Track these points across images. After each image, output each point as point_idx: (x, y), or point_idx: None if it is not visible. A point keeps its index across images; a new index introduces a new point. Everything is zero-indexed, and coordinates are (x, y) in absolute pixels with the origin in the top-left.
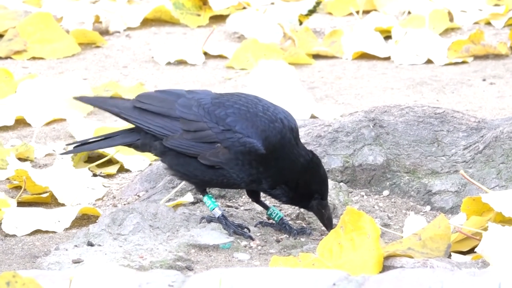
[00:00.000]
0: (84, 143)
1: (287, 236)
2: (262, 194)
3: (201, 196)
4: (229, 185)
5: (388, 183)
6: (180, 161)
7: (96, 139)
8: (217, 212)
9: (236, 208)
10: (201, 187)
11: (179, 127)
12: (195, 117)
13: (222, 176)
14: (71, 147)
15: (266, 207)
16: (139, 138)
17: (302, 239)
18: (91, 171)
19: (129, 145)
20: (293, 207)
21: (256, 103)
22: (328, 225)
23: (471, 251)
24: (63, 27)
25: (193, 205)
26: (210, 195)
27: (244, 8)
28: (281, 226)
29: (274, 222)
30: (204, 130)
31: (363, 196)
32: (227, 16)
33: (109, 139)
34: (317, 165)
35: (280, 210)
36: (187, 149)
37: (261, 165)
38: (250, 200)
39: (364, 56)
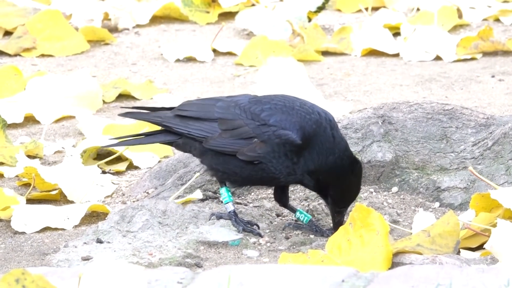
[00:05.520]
0: (123, 139)
1: (296, 233)
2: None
3: (219, 186)
4: (269, 180)
5: (397, 179)
6: (219, 160)
7: (137, 136)
8: (230, 207)
9: (245, 205)
10: (241, 185)
11: (218, 128)
12: (232, 116)
13: (261, 170)
14: (112, 141)
15: (293, 211)
16: (180, 137)
17: (311, 236)
18: (100, 168)
19: (171, 144)
20: (302, 203)
21: (294, 100)
22: (334, 228)
23: (480, 247)
24: (72, 24)
25: (202, 202)
26: (228, 189)
27: (253, 5)
28: (311, 228)
29: (302, 224)
30: (241, 127)
31: (372, 192)
32: (236, 13)
33: (151, 136)
34: (344, 172)
35: (307, 211)
36: (226, 147)
37: (296, 155)
38: (259, 197)
39: (373, 52)
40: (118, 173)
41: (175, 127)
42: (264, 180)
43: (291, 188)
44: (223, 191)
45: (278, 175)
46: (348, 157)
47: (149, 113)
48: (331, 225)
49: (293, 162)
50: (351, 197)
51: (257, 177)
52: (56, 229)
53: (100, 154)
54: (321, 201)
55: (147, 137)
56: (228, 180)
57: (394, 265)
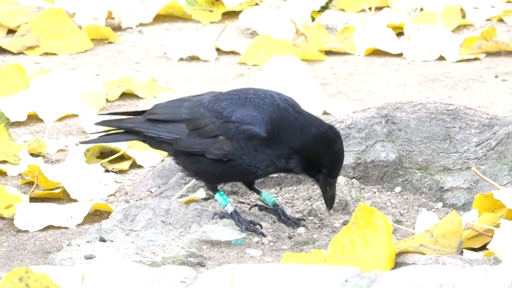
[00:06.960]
0: (102, 135)
1: (299, 232)
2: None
3: (212, 193)
4: (243, 176)
5: (400, 179)
6: (191, 160)
7: (113, 133)
8: (230, 208)
9: (248, 204)
10: (215, 183)
11: (186, 129)
12: (198, 116)
13: (232, 167)
14: (91, 137)
15: (258, 193)
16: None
17: (314, 236)
18: (104, 166)
19: (145, 141)
20: (305, 203)
21: (247, 89)
22: (329, 203)
23: (483, 248)
24: (75, 22)
25: (205, 201)
26: (221, 192)
27: (257, 4)
28: (275, 211)
29: (268, 206)
30: (207, 126)
31: (375, 192)
32: (239, 12)
33: (127, 134)
34: (331, 139)
35: (310, 211)
36: (194, 147)
37: (267, 148)
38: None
39: (377, 52)
40: (121, 171)
41: (146, 132)
42: (239, 176)
43: (293, 187)
44: (218, 196)
45: (253, 169)
46: (325, 124)
47: (123, 119)
48: (330, 224)
49: (267, 154)
50: (342, 161)
51: (230, 174)
52: (59, 227)
53: (103, 153)
54: None
55: (123, 135)
56: (202, 179)
57: (397, 265)
